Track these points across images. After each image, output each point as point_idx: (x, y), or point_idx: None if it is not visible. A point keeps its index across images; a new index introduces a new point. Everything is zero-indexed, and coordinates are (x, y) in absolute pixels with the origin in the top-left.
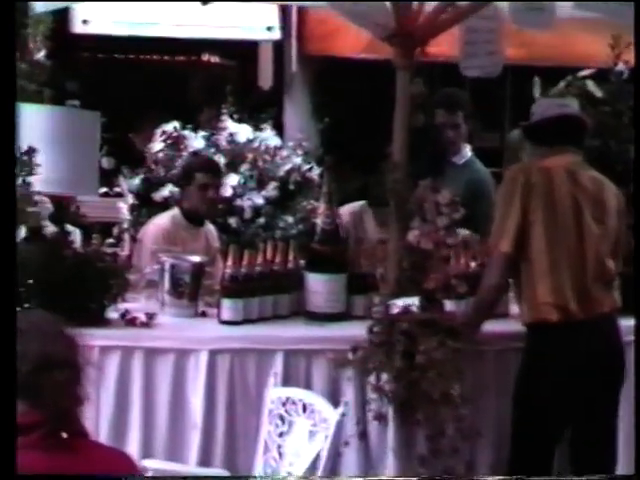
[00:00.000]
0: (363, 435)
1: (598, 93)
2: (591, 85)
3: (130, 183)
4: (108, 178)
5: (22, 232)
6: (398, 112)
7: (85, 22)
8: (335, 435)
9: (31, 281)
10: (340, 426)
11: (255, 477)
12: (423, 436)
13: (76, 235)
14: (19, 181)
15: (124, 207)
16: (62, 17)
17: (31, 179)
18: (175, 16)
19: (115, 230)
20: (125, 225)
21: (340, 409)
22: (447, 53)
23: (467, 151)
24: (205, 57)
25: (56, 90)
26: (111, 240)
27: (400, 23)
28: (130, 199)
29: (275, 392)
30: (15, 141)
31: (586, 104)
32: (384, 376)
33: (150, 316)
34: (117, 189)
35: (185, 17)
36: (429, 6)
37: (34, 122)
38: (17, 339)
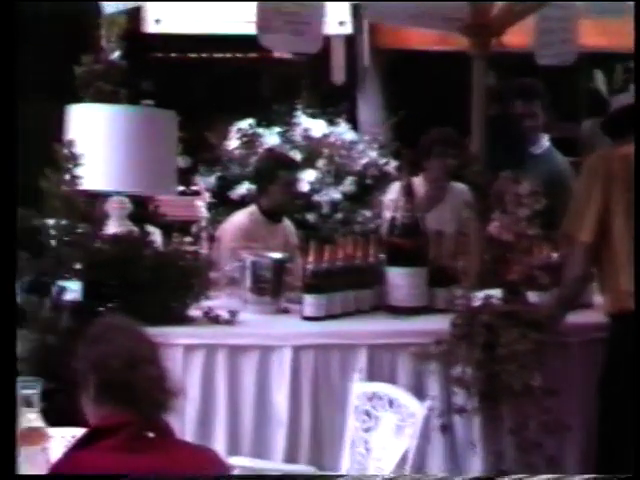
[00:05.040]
0: (445, 428)
1: None
2: None
3: (207, 181)
4: (185, 177)
5: None
6: (475, 102)
7: (158, 21)
8: (423, 429)
9: (114, 281)
10: (427, 420)
11: (342, 476)
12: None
13: (156, 235)
14: (67, 176)
15: (202, 205)
16: (135, 17)
17: (78, 172)
18: (246, 13)
19: (193, 228)
20: (203, 223)
21: (427, 403)
22: (521, 42)
23: (545, 141)
24: (277, 53)
25: (132, 90)
26: (189, 239)
27: (476, 14)
28: (207, 197)
29: (360, 387)
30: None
31: None
32: (467, 369)
33: (233, 313)
34: (194, 187)
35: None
36: None
37: (112, 122)
38: (99, 342)
